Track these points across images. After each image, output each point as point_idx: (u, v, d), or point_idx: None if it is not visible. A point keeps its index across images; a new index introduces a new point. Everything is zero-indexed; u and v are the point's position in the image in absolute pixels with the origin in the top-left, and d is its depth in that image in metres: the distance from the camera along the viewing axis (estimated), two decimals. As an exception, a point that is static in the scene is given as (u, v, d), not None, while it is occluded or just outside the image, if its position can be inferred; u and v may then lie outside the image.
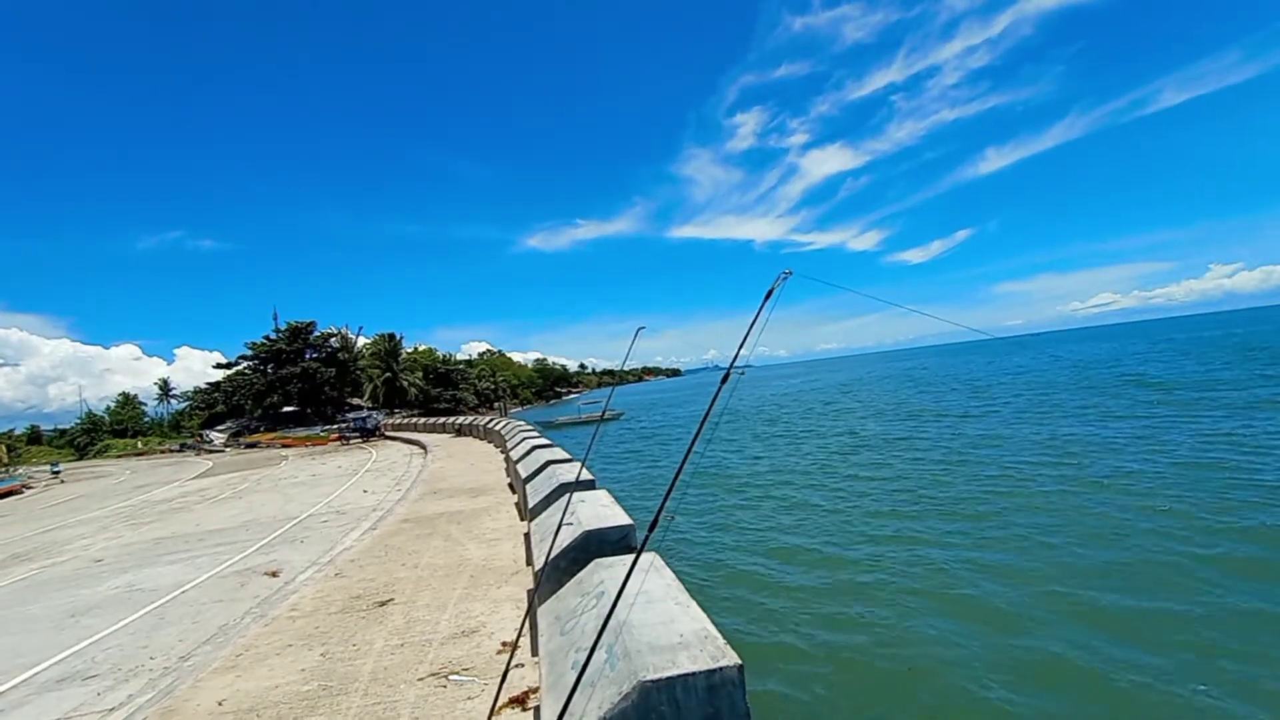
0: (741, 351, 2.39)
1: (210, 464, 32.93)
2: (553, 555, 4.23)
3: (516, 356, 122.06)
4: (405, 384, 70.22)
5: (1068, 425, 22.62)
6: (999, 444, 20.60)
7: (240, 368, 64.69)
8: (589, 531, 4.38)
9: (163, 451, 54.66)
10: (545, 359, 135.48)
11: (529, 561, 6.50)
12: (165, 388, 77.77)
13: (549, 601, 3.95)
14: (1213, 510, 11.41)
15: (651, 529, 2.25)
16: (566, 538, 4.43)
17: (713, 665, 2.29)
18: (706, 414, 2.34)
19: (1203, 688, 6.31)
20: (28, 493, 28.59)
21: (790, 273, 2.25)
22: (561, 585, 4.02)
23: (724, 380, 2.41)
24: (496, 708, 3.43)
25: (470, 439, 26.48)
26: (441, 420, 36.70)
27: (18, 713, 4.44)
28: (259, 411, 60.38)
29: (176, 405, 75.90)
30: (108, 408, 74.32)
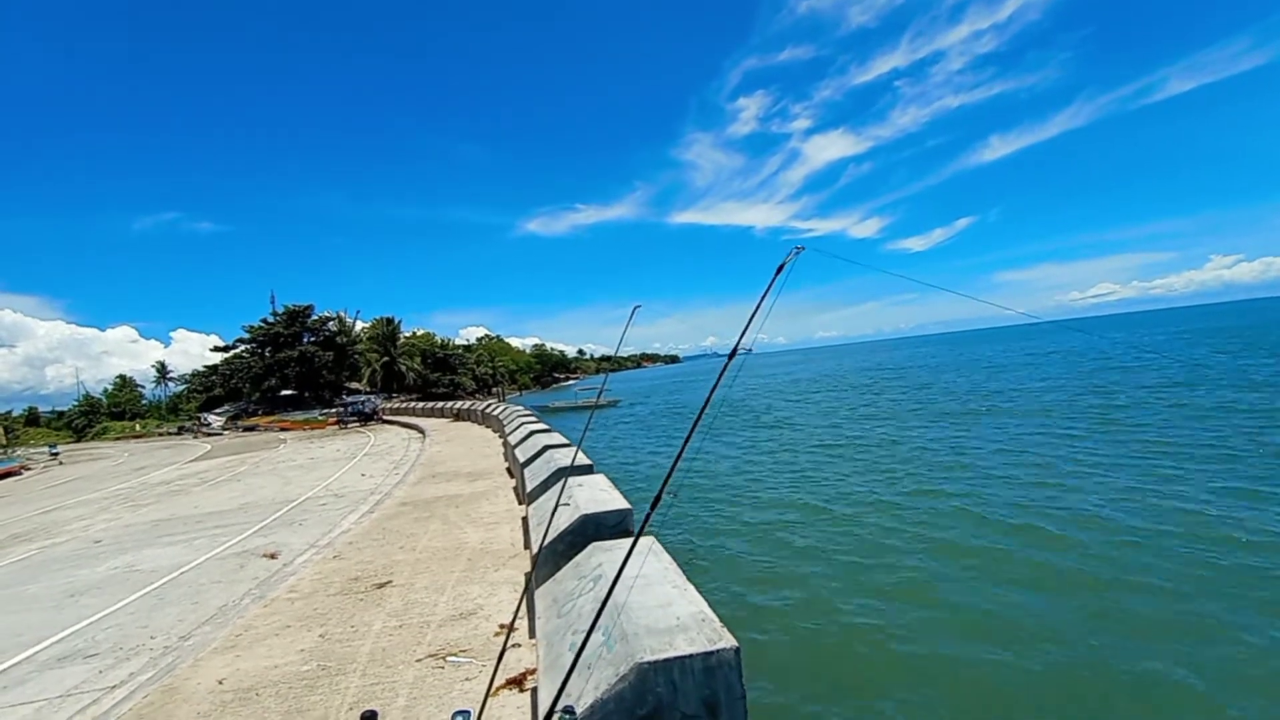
0: (749, 333, 2.30)
1: (208, 447, 32.96)
2: (550, 538, 4.24)
3: (515, 342, 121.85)
4: (403, 368, 70.12)
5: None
6: (1018, 432, 20.67)
7: (238, 351, 64.40)
8: (586, 515, 4.40)
9: (161, 434, 54.73)
10: (543, 344, 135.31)
11: (527, 545, 6.53)
12: (163, 370, 77.73)
13: (546, 584, 3.97)
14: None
15: (653, 508, 2.23)
16: (564, 521, 4.44)
17: (710, 648, 2.30)
18: (709, 396, 2.28)
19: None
20: (26, 474, 28.63)
21: (803, 248, 2.16)
22: (559, 568, 4.04)
23: (730, 358, 2.35)
24: (494, 688, 3.46)
25: (468, 423, 26.53)
26: (440, 405, 36.72)
27: (20, 689, 4.48)
28: (257, 395, 60.27)
29: (174, 388, 75.89)
30: (105, 390, 74.37)
